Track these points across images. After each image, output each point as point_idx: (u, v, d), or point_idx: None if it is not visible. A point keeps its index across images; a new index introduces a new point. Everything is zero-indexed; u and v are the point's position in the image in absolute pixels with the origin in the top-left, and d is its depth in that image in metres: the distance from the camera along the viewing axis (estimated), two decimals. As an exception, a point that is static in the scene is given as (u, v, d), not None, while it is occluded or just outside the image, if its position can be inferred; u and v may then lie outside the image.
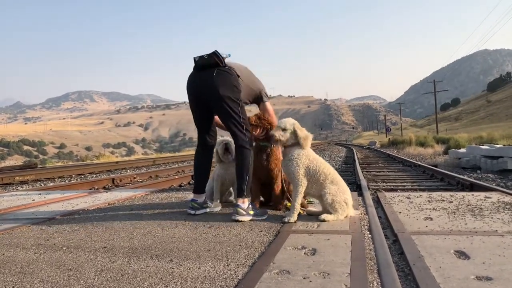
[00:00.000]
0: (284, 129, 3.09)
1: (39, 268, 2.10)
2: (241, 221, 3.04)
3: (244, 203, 3.11)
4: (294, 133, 3.09)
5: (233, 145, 3.65)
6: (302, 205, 3.25)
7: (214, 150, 3.69)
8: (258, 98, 3.65)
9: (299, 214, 3.19)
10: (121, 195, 4.87)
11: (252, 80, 3.56)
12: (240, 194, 3.13)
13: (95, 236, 2.75)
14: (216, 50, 3.15)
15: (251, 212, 3.11)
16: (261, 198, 3.68)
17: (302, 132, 3.12)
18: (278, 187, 3.48)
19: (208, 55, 3.15)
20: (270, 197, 3.57)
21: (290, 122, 3.14)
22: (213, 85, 3.13)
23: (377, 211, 3.44)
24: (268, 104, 3.67)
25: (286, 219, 2.96)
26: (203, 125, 3.45)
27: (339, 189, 3.05)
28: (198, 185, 3.49)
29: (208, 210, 3.47)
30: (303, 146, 3.08)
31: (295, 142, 3.11)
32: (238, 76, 3.24)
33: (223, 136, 3.85)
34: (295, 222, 2.95)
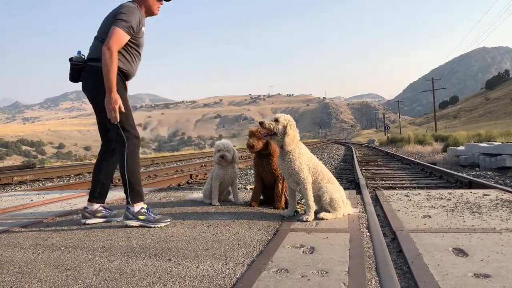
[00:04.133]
0: (276, 120, 3.03)
1: (37, 268, 2.09)
2: (130, 225, 2.94)
3: (135, 207, 2.96)
4: (284, 128, 3.01)
5: (229, 154, 3.67)
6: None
7: (213, 153, 3.76)
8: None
9: (296, 212, 3.20)
10: (119, 194, 4.85)
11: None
12: (126, 198, 3.00)
13: (93, 236, 2.75)
14: (70, 59, 3.02)
15: (142, 217, 2.94)
16: (261, 197, 3.75)
17: (292, 131, 3.02)
18: (279, 186, 3.52)
19: (70, 69, 3.03)
20: (272, 198, 3.60)
21: (285, 117, 3.08)
22: (86, 89, 3.08)
23: (376, 209, 3.44)
24: (117, 29, 2.88)
25: (304, 218, 2.94)
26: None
27: (335, 188, 3.06)
28: (92, 191, 3.25)
29: (99, 220, 3.17)
30: (285, 144, 2.98)
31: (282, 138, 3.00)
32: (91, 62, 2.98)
33: (221, 140, 3.86)
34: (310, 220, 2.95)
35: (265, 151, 3.55)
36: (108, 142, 3.22)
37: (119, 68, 2.99)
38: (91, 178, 3.42)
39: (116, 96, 2.87)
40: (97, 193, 3.20)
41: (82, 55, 3.07)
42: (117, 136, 3.01)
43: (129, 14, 2.95)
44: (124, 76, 3.10)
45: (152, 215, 3.00)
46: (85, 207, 3.22)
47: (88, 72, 3.01)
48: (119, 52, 2.97)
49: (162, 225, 2.96)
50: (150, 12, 3.20)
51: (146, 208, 3.01)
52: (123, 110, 2.92)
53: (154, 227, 2.93)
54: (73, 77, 3.07)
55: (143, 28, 3.12)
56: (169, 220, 3.04)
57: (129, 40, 3.02)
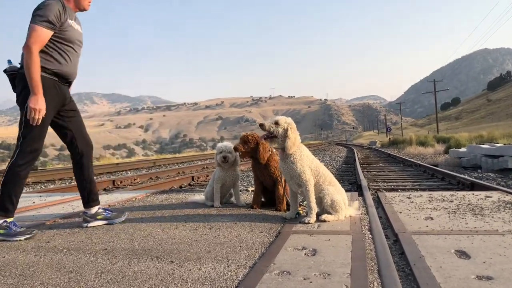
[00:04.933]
0: (276, 123, 3.02)
1: (39, 270, 2.10)
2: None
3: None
4: (285, 132, 3.02)
5: (231, 156, 3.67)
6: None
7: (215, 154, 3.75)
8: None
9: (298, 214, 3.19)
10: (121, 196, 4.87)
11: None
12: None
13: (96, 238, 2.75)
14: (4, 71, 2.90)
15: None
16: (263, 199, 3.76)
17: (293, 134, 3.02)
18: (280, 188, 3.51)
19: (9, 80, 2.92)
20: (274, 199, 3.60)
21: (285, 120, 3.07)
22: (18, 99, 2.91)
23: (378, 211, 3.44)
24: (34, 26, 2.74)
25: (306, 220, 2.93)
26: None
27: (336, 190, 3.05)
28: (82, 198, 3.26)
29: (100, 222, 3.18)
30: (287, 147, 2.99)
31: (284, 141, 3.01)
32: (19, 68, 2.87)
33: (223, 142, 3.88)
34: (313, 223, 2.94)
35: (255, 156, 3.51)
36: (71, 145, 3.19)
37: (50, 70, 2.87)
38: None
39: (41, 99, 2.75)
40: (87, 198, 3.21)
41: (19, 63, 2.87)
42: (16, 146, 2.89)
43: (45, 8, 2.78)
44: (59, 77, 2.97)
45: (14, 228, 2.81)
46: (84, 212, 3.23)
47: (18, 79, 2.85)
48: (45, 52, 2.84)
49: (22, 238, 2.77)
50: (80, 7, 3.06)
51: (10, 222, 2.82)
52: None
53: (11, 240, 2.75)
54: (15, 88, 2.92)
55: (70, 21, 2.93)
56: (33, 232, 2.85)
57: (54, 36, 2.85)
